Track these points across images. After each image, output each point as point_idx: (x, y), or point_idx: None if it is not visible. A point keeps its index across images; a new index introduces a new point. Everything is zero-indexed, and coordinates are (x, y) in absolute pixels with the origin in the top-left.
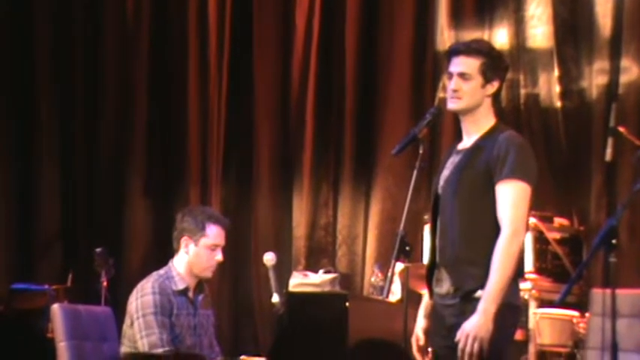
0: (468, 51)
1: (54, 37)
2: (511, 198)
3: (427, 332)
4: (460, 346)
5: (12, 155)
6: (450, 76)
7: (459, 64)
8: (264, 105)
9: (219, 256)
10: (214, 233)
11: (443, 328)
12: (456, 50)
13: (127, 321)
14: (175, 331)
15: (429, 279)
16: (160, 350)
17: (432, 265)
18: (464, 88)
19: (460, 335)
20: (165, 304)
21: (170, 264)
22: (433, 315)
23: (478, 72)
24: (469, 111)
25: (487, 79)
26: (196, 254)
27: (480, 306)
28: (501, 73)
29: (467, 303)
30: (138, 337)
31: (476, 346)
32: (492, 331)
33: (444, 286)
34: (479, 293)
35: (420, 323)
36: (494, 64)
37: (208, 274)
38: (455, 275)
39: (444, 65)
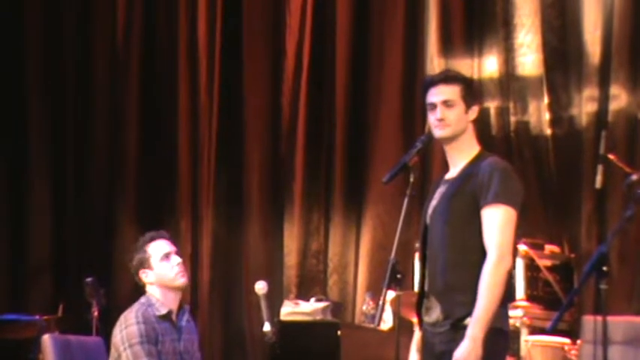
0: (447, 79)
1: (44, 68)
2: (496, 223)
3: None
4: None
5: (2, 186)
6: (432, 106)
7: (441, 93)
8: (255, 133)
9: (177, 260)
10: (156, 246)
11: (432, 356)
12: (433, 81)
13: (114, 354)
14: (162, 359)
15: (419, 309)
16: None
17: (422, 295)
18: (450, 116)
19: None
20: (150, 333)
21: (148, 293)
22: (423, 343)
23: (460, 98)
24: (455, 138)
25: (468, 105)
26: (157, 275)
27: (469, 332)
28: (479, 99)
29: (456, 330)
30: None
31: None
32: (482, 356)
33: (433, 315)
34: (468, 320)
35: (414, 358)
36: (471, 89)
37: (180, 281)
38: (444, 303)
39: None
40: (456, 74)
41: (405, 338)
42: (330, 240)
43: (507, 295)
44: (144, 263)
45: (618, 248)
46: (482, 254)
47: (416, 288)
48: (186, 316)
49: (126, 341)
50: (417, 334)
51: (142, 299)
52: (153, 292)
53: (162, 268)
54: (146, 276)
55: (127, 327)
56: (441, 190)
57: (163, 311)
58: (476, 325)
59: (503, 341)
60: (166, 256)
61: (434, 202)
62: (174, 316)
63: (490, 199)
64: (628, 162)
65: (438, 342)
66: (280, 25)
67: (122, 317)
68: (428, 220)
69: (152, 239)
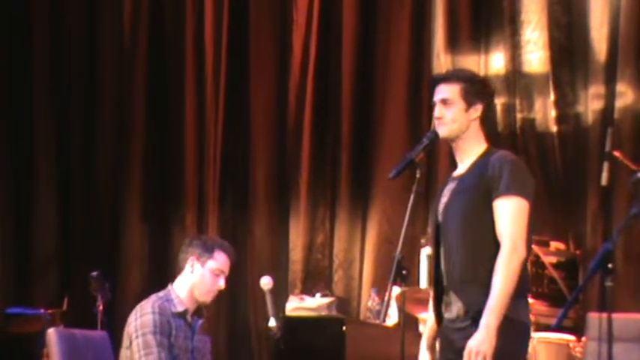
0: (447, 78)
1: (50, 63)
2: (508, 214)
3: None
4: None
5: (8, 179)
6: (434, 105)
7: (440, 92)
8: (261, 128)
9: (221, 283)
10: (222, 259)
11: (451, 351)
12: (436, 80)
13: (125, 342)
14: (174, 352)
15: (438, 305)
16: None
17: (437, 294)
18: (447, 115)
19: (465, 355)
20: (164, 325)
21: (169, 287)
22: (441, 339)
23: (459, 97)
24: (457, 137)
25: (469, 103)
26: (201, 276)
27: (482, 322)
28: (484, 97)
29: (477, 326)
30: (136, 357)
31: None
32: (497, 346)
33: (454, 310)
34: None
35: (424, 356)
36: (474, 88)
37: (208, 299)
38: (464, 297)
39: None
40: (457, 73)
41: (410, 334)
42: (336, 235)
43: (523, 286)
44: (201, 257)
45: (623, 246)
46: (498, 247)
47: (423, 285)
48: (201, 321)
49: (139, 329)
50: (427, 332)
51: (161, 293)
52: (179, 286)
53: (207, 278)
54: (191, 265)
55: (142, 316)
56: (450, 187)
57: (180, 309)
58: (490, 315)
59: (522, 334)
60: (220, 272)
61: (444, 199)
62: (189, 316)
63: (501, 191)
64: (634, 159)
65: (458, 338)
66: (287, 20)
67: (138, 307)
68: (440, 218)
69: (225, 250)
